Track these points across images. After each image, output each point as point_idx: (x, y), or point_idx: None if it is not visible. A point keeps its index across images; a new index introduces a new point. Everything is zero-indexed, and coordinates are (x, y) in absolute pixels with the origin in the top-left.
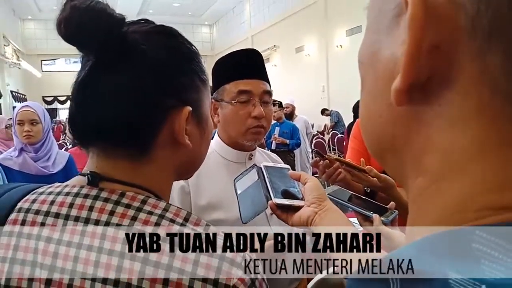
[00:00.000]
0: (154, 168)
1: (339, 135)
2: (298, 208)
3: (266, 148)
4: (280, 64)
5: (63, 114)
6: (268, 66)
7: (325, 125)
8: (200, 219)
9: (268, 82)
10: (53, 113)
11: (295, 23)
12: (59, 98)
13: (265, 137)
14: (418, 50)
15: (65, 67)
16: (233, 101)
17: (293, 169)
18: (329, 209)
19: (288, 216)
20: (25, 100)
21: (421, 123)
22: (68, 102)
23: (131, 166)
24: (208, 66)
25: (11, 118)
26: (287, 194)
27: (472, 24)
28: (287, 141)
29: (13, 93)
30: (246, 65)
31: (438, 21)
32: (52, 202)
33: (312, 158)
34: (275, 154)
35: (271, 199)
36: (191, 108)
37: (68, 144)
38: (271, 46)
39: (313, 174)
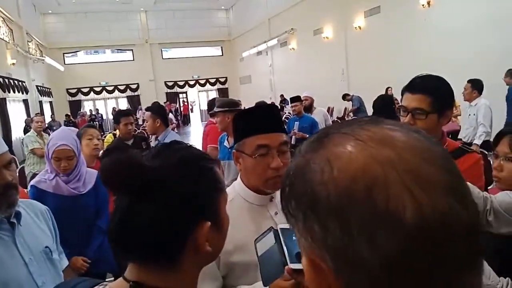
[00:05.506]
0: (183, 272)
1: None
2: None
3: None
4: (298, 47)
5: (87, 105)
6: (285, 50)
7: (345, 109)
8: None
9: (285, 132)
10: (77, 105)
11: (313, 5)
12: (82, 90)
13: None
14: None
15: (86, 59)
16: (253, 156)
17: None
18: None
19: (303, 277)
20: (51, 93)
21: None
22: (92, 93)
23: (164, 273)
24: (225, 51)
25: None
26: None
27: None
28: (307, 136)
29: (39, 87)
30: (263, 120)
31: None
32: None
33: None
34: None
35: (287, 264)
36: (210, 223)
37: None
38: (288, 29)
39: None
